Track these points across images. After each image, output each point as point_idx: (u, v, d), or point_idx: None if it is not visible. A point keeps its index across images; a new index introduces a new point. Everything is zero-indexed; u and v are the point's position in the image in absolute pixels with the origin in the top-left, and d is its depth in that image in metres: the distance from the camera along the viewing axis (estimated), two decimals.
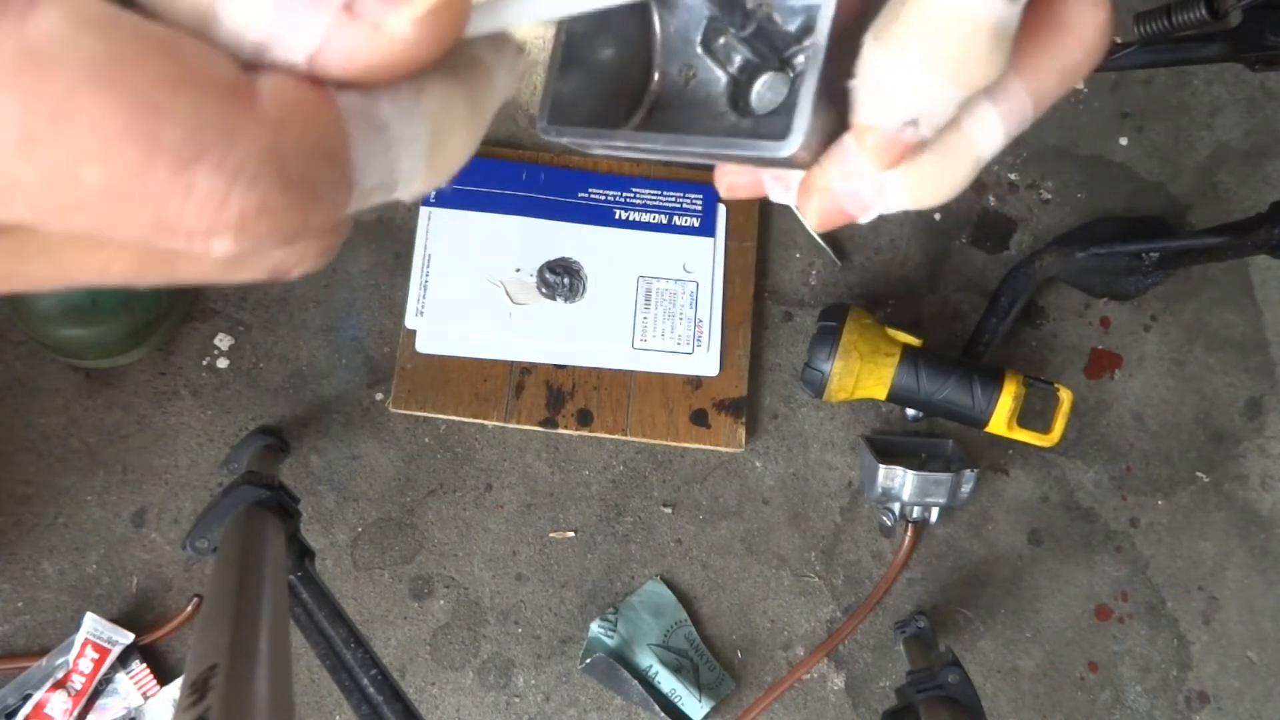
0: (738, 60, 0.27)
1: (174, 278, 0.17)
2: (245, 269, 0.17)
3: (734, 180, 0.26)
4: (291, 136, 0.15)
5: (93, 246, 0.16)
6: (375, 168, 0.17)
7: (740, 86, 0.27)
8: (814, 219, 0.23)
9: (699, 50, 0.27)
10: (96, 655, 0.84)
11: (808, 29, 0.26)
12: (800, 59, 0.26)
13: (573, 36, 0.25)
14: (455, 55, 0.18)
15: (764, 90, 0.27)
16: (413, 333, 0.93)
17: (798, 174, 0.24)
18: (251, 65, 0.16)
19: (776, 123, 0.26)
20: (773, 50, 0.27)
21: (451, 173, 0.19)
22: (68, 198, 0.14)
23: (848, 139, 0.22)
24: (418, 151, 0.17)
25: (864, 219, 0.23)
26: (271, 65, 0.16)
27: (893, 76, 0.20)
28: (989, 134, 0.22)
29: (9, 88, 0.13)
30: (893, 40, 0.20)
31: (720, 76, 0.27)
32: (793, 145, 0.22)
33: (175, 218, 0.14)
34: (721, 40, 0.27)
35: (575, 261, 0.95)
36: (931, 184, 0.23)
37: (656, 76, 0.27)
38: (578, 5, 0.19)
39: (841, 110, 0.22)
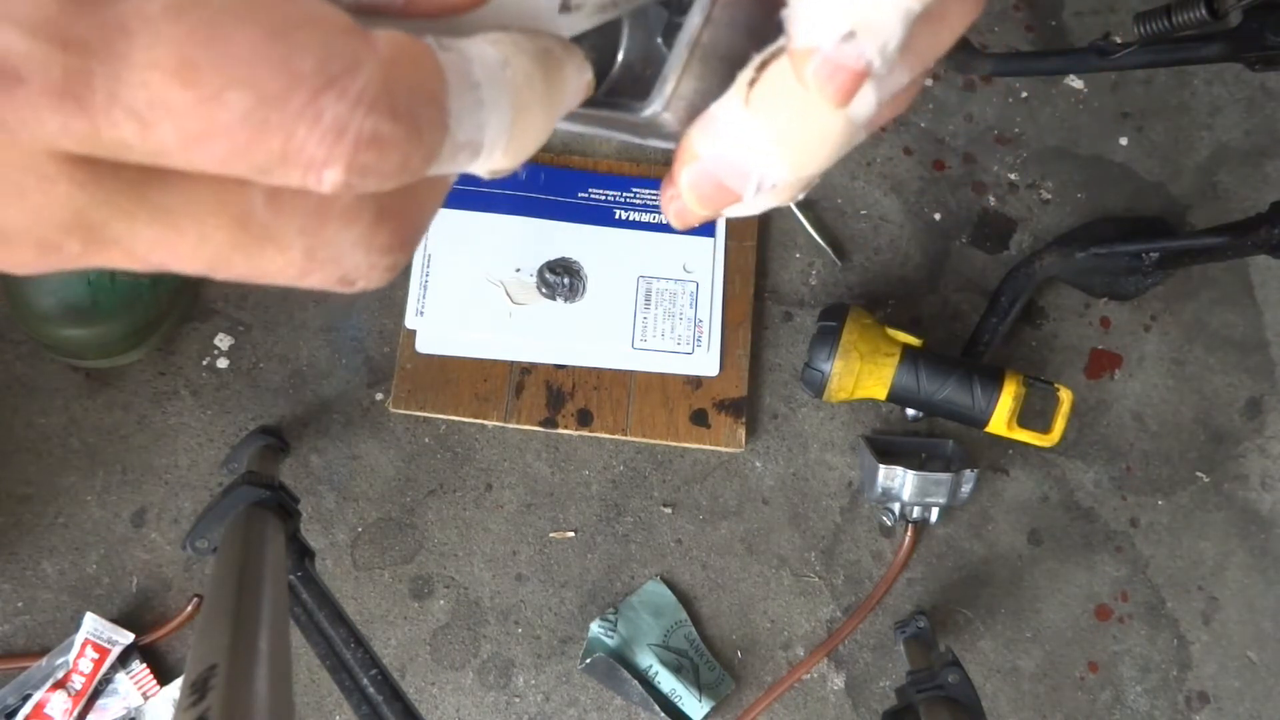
0: None
1: (258, 266, 0.18)
2: (319, 272, 0.18)
3: (681, 205, 0.24)
4: (401, 74, 0.17)
5: (199, 214, 0.17)
6: (467, 122, 0.18)
7: None
8: (690, 194, 0.22)
9: (659, 42, 0.27)
10: (96, 655, 0.84)
11: None
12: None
13: None
14: (533, 44, 0.19)
15: None
16: (413, 333, 0.93)
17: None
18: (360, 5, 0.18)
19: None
20: None
21: (527, 153, 0.20)
22: (212, 122, 0.15)
23: (723, 102, 0.22)
24: (502, 120, 0.19)
25: (747, 195, 0.22)
26: (373, 2, 0.18)
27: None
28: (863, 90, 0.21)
29: (176, 18, 0.15)
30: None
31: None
32: (654, 105, 0.21)
33: (300, 144, 0.16)
34: None
35: (575, 261, 0.95)
36: (805, 144, 0.21)
37: (618, 63, 0.28)
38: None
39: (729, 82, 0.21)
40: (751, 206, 0.23)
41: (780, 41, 0.21)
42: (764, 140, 0.21)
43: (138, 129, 0.15)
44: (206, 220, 0.17)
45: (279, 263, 0.18)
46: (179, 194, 0.17)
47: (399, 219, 0.19)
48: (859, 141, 0.23)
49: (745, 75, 0.21)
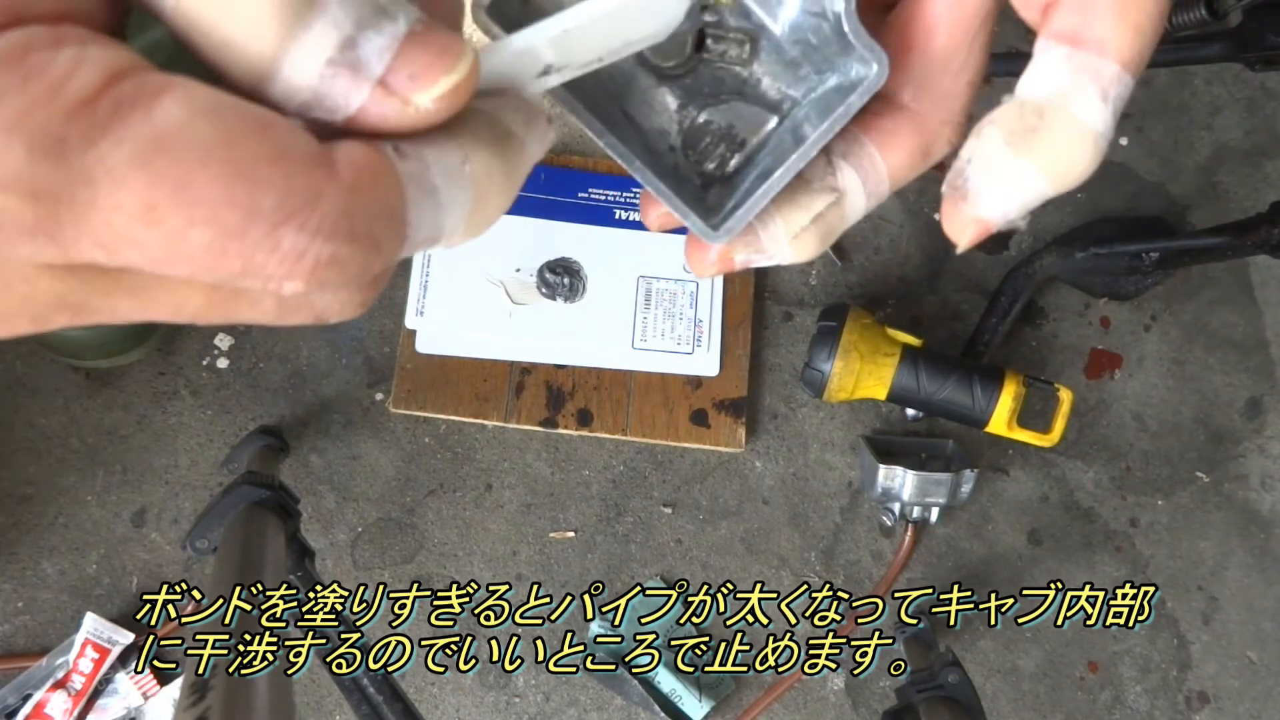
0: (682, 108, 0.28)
1: (234, 318, 0.19)
2: (295, 314, 0.20)
3: (666, 221, 0.28)
4: (361, 199, 0.18)
5: (173, 287, 0.18)
6: (426, 224, 0.19)
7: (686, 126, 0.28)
8: (703, 273, 0.28)
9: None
10: (96, 655, 0.84)
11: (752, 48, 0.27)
12: (757, 152, 0.27)
13: None
14: (494, 129, 0.20)
15: (709, 142, 0.28)
16: (413, 333, 0.93)
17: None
18: (306, 119, 0.18)
19: (711, 172, 0.28)
20: (719, 86, 0.27)
21: (488, 227, 0.21)
22: (175, 252, 0.16)
23: (768, 230, 0.26)
24: (461, 211, 0.20)
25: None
26: (312, 120, 0.18)
27: (1021, 182, 0.23)
28: (854, 202, 0.26)
29: (140, 167, 0.16)
30: (1032, 152, 0.23)
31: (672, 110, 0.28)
32: (722, 240, 0.26)
33: (260, 266, 0.17)
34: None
35: (575, 261, 0.95)
36: (812, 247, 0.27)
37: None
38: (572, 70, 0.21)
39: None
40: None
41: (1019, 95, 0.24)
42: (786, 244, 0.26)
43: (106, 255, 0.16)
44: (179, 292, 0.18)
45: (254, 314, 0.19)
46: (151, 278, 0.18)
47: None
48: None
49: (993, 134, 0.24)
